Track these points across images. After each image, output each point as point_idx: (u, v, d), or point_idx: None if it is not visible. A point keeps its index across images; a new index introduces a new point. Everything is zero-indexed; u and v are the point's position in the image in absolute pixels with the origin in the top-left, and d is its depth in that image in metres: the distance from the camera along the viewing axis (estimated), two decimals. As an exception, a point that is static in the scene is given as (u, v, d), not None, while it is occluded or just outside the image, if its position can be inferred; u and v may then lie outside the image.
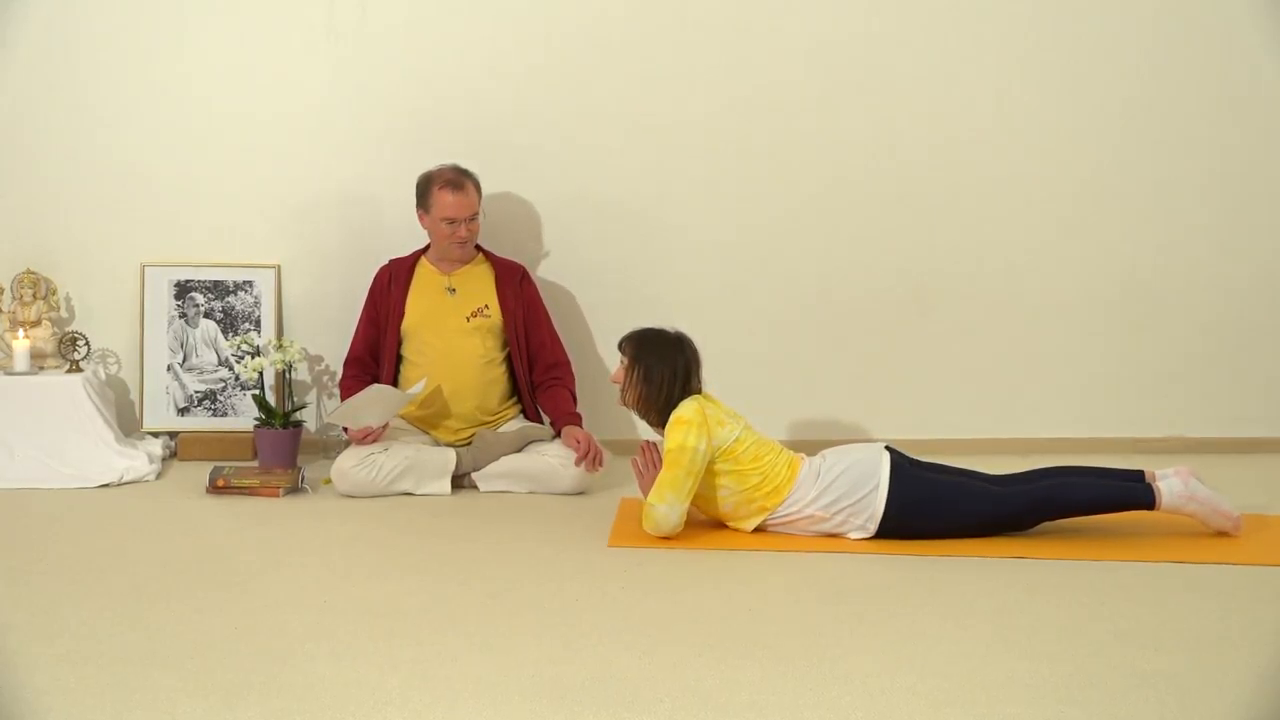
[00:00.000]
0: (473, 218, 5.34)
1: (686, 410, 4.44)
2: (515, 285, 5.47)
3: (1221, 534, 4.44)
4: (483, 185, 5.41)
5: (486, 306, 5.40)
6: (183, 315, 5.77)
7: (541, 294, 5.57)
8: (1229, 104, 5.85)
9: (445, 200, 5.31)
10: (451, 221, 5.31)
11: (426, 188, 5.36)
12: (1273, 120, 5.87)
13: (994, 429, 5.92)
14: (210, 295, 5.78)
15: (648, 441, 4.69)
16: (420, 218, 5.40)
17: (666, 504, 4.39)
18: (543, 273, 5.79)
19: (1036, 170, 5.87)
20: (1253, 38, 5.79)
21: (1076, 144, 5.86)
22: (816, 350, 5.92)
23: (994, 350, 5.94)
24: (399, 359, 5.43)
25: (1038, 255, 5.91)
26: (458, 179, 5.33)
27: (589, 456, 5.14)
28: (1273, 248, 5.93)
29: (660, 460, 4.55)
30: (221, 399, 5.78)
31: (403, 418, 5.32)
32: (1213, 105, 5.85)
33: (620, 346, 4.63)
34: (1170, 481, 4.44)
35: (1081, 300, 5.93)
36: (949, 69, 5.81)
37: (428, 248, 5.49)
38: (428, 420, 5.35)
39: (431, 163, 5.42)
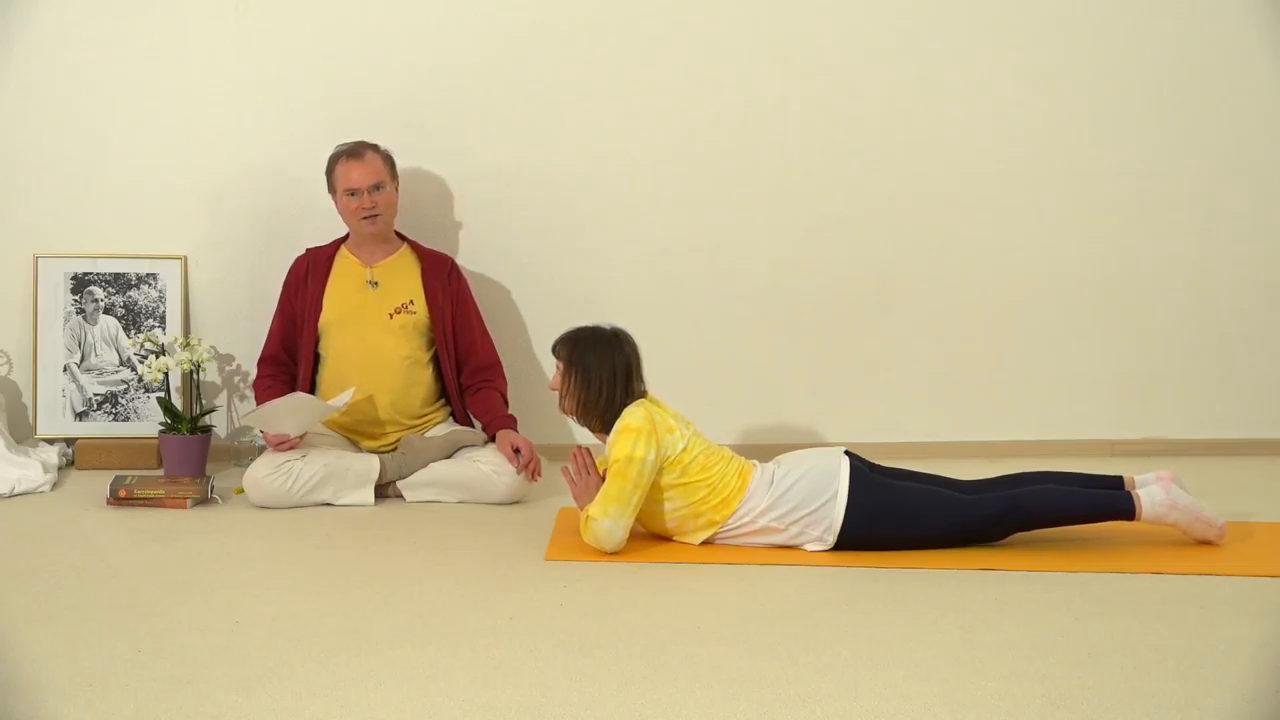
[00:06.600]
0: (377, 187, 5.30)
1: (634, 417, 4.42)
2: (443, 279, 5.43)
3: (1204, 543, 4.47)
4: (405, 169, 5.39)
5: (411, 302, 5.37)
6: (80, 311, 5.73)
7: (472, 288, 5.54)
8: (1209, 102, 5.90)
9: (343, 171, 5.30)
10: (353, 193, 5.28)
11: (330, 166, 5.35)
12: (1253, 118, 5.91)
13: (962, 431, 5.95)
14: (110, 289, 5.73)
15: (580, 447, 4.64)
16: (333, 203, 5.38)
17: (610, 519, 4.37)
18: (472, 265, 5.76)
19: (1007, 164, 5.91)
20: (1232, 33, 5.84)
21: (1049, 139, 5.90)
22: (769, 348, 5.93)
23: (961, 347, 5.96)
24: (316, 358, 5.40)
25: (1007, 250, 5.94)
26: (355, 148, 5.33)
27: (528, 466, 5.13)
28: (1253, 245, 5.98)
29: (594, 466, 4.55)
30: (123, 402, 5.74)
31: (321, 423, 5.29)
32: (1192, 103, 5.90)
33: (554, 350, 4.60)
34: (1151, 489, 4.46)
35: (1054, 296, 5.96)
36: (912, 60, 5.84)
37: (348, 236, 5.46)
38: (348, 426, 5.33)
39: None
